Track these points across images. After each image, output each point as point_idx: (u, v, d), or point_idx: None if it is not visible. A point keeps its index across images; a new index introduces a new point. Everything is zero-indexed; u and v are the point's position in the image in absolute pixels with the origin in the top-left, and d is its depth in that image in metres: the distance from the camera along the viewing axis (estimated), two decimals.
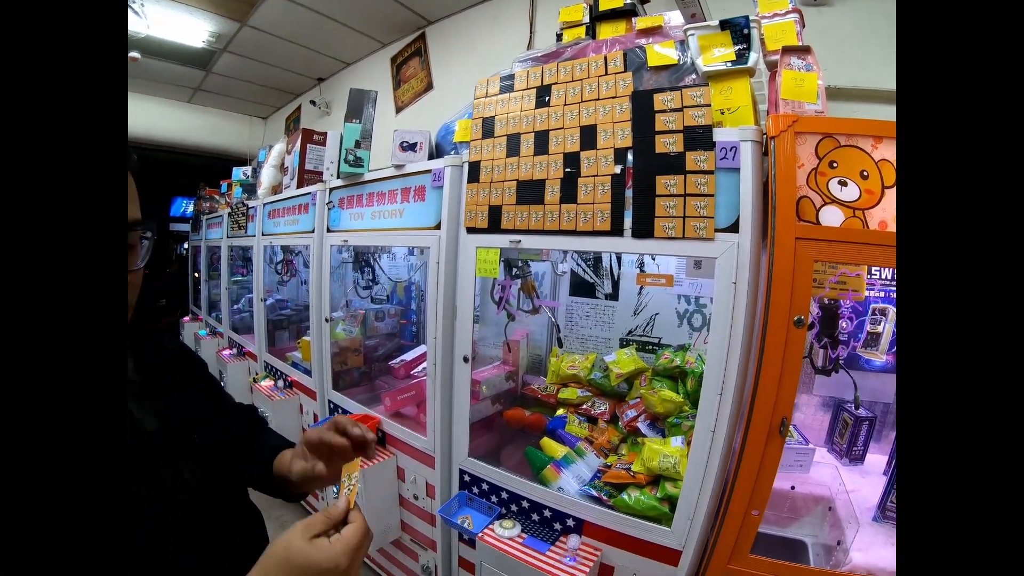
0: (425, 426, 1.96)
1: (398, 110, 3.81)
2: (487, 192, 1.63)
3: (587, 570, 1.43)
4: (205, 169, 5.41)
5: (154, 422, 0.72)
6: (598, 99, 1.41)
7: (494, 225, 1.61)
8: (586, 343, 2.18)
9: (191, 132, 5.64)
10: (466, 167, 1.70)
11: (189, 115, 5.60)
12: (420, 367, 2.40)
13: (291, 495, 0.92)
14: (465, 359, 1.74)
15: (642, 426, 1.71)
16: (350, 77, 4.54)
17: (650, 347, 1.99)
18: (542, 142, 1.51)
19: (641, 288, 1.99)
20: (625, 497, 1.45)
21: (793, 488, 1.47)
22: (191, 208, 5.90)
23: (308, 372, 2.73)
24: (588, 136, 1.42)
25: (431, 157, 1.96)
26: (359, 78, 4.36)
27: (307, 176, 2.78)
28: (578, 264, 2.11)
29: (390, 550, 2.35)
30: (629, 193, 1.34)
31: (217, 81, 4.98)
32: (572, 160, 1.45)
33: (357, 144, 2.18)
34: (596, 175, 1.39)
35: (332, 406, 2.54)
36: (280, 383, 3.01)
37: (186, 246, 6.44)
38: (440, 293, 1.77)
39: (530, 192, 1.53)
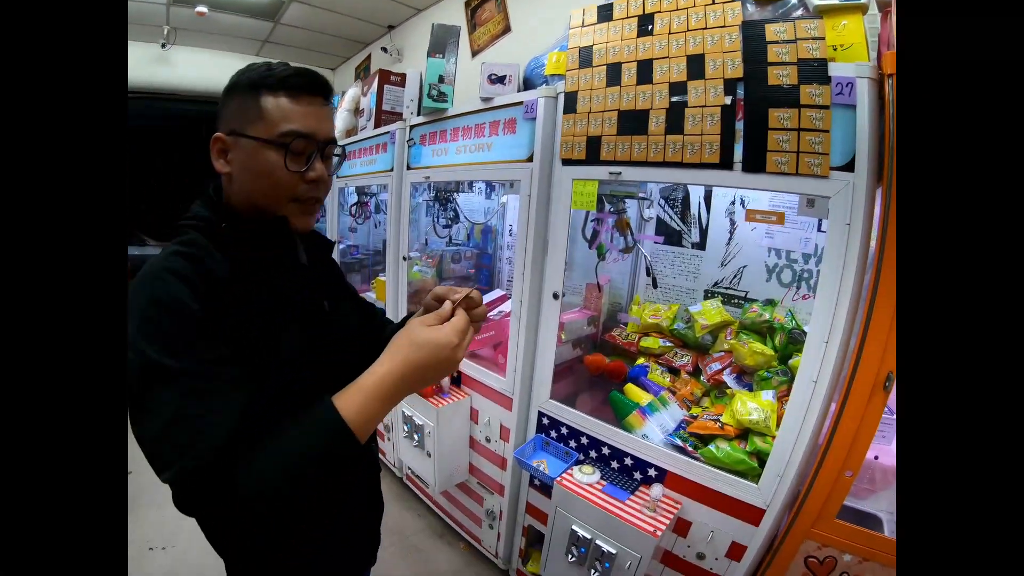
0: (503, 367, 1.94)
1: (474, 54, 3.69)
2: (585, 123, 1.55)
3: (667, 523, 1.40)
4: None
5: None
6: (705, 28, 1.31)
7: (592, 156, 1.54)
8: (669, 292, 2.10)
9: None
10: (561, 98, 1.62)
11: None
12: (496, 310, 2.37)
13: None
14: (555, 296, 1.70)
15: (728, 379, 1.66)
16: (422, 23, 4.42)
17: (736, 300, 1.90)
18: (645, 72, 1.42)
19: (730, 238, 1.88)
20: (713, 449, 1.40)
21: (876, 458, 1.37)
22: None
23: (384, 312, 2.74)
24: (695, 66, 1.33)
25: (519, 91, 1.88)
26: (431, 24, 4.23)
27: (384, 116, 2.74)
28: (664, 210, 2.01)
29: (454, 492, 2.39)
30: (739, 125, 1.26)
31: (285, 32, 4.94)
32: (678, 90, 1.36)
33: (440, 79, 2.12)
34: (704, 105, 1.30)
35: None
36: None
37: None
38: (530, 227, 1.72)
39: (632, 122, 1.44)
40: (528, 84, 1.89)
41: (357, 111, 3.17)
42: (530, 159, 1.70)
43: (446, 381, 2.13)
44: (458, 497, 2.38)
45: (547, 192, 1.70)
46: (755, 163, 1.24)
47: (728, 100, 1.27)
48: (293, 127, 0.76)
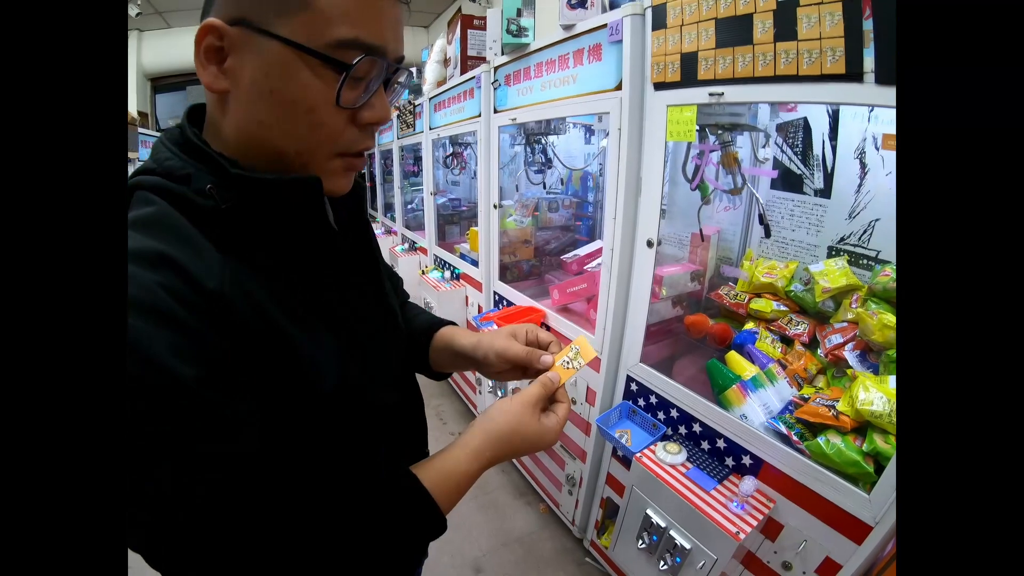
0: (594, 324, 1.78)
1: None
2: (677, 38, 1.30)
3: (755, 524, 1.20)
4: None
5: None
6: None
7: (688, 77, 1.29)
8: (787, 248, 1.78)
9: None
10: (649, 13, 1.37)
11: None
12: (595, 262, 2.20)
13: (435, 372, 0.90)
14: (649, 243, 1.49)
15: (850, 356, 1.36)
16: None
17: (865, 261, 1.57)
18: None
19: (860, 185, 1.54)
20: (822, 443, 1.15)
21: None
22: None
23: (476, 263, 2.69)
24: None
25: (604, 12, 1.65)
26: None
27: (470, 62, 2.64)
28: (782, 150, 1.69)
29: (540, 456, 2.31)
30: (868, 25, 0.96)
31: None
32: None
33: (519, 13, 1.93)
34: (821, 2, 1.02)
35: (497, 298, 2.48)
36: (447, 274, 3.05)
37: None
38: (621, 164, 1.51)
39: (734, 31, 1.17)
40: (613, 5, 1.65)
41: (445, 61, 3.08)
42: (618, 87, 1.47)
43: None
44: (540, 458, 2.31)
45: (639, 123, 1.48)
46: (891, 72, 0.94)
47: None
48: (359, 34, 0.48)
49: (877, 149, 1.48)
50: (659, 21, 1.34)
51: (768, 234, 1.58)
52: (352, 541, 0.53)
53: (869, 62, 0.98)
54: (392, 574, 0.59)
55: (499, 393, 2.08)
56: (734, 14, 1.17)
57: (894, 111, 1.32)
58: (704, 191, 1.57)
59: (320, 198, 0.54)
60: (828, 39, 1.02)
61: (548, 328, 2.04)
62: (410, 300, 0.97)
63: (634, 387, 1.66)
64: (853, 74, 1.00)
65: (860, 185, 1.56)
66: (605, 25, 1.48)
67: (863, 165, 1.54)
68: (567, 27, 1.64)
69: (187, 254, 0.46)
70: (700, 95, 1.26)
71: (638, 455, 1.43)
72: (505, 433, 0.63)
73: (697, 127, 1.34)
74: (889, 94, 0.96)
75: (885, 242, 1.54)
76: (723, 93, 1.21)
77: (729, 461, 1.37)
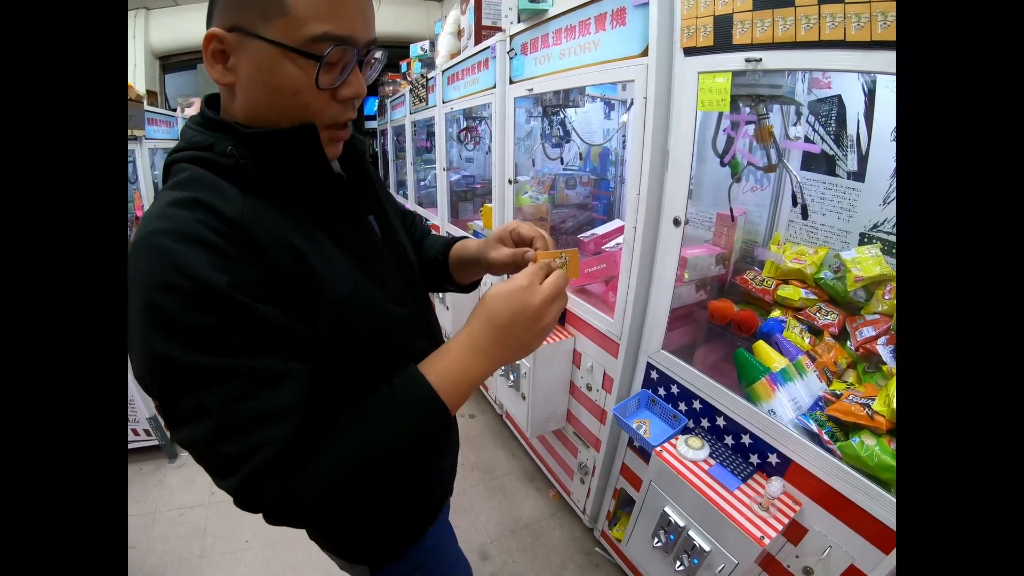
0: (614, 306, 1.69)
1: None
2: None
3: (780, 528, 1.13)
4: (395, 66, 5.43)
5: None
6: None
7: (722, 41, 1.17)
8: (816, 233, 1.67)
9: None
10: None
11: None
12: (613, 242, 2.10)
13: (461, 284, 1.03)
14: (676, 222, 1.38)
15: (883, 351, 1.25)
16: None
17: None
18: None
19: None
20: (856, 444, 1.07)
21: None
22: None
23: None
24: None
25: None
26: None
27: (485, 32, 2.50)
28: (814, 129, 1.56)
29: (549, 438, 2.26)
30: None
31: None
32: None
33: None
34: None
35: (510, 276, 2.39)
36: None
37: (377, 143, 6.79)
38: (647, 136, 1.40)
39: None
40: None
41: (459, 33, 2.97)
42: (644, 53, 1.36)
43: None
44: (552, 444, 2.25)
45: (667, 92, 1.36)
46: None
47: None
48: (328, 29, 0.58)
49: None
50: None
51: (805, 215, 1.47)
52: (368, 437, 0.60)
53: None
54: (415, 479, 0.76)
55: (510, 377, 2.01)
56: None
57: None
58: (735, 168, 1.46)
59: (316, 140, 0.63)
60: (879, 2, 0.90)
61: (565, 311, 1.95)
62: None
63: (654, 375, 1.57)
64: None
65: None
66: None
67: None
68: None
69: (215, 197, 0.58)
70: (735, 61, 1.15)
71: (658, 448, 1.36)
72: (490, 301, 0.66)
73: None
74: None
75: None
76: (760, 59, 1.09)
77: (754, 459, 1.30)
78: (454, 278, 1.01)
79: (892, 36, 0.90)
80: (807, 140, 1.60)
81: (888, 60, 0.92)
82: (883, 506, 1.02)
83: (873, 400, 1.14)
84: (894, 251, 1.46)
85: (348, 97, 0.64)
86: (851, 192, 1.57)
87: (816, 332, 1.49)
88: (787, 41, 1.05)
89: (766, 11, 1.07)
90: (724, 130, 1.39)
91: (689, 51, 1.26)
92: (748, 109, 1.31)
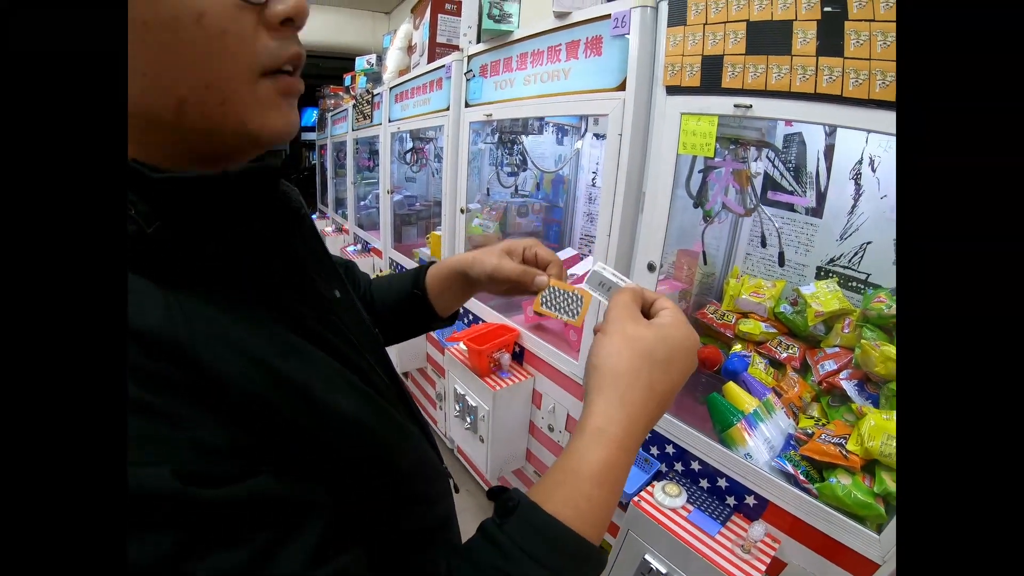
0: (575, 345, 1.62)
1: None
2: (699, 38, 1.14)
3: (763, 569, 1.14)
4: (338, 77, 5.20)
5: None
6: None
7: (710, 83, 1.13)
8: (774, 266, 1.70)
9: (312, 33, 5.31)
10: (664, 7, 1.22)
11: (310, 15, 5.31)
12: (567, 272, 2.04)
13: (439, 317, 0.84)
14: (651, 267, 1.33)
15: (848, 386, 1.30)
16: None
17: (854, 284, 1.52)
18: None
19: (854, 206, 1.48)
20: (835, 485, 1.08)
21: None
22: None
23: None
24: None
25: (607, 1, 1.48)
26: None
27: (439, 50, 2.40)
28: (774, 165, 1.59)
29: (510, 478, 2.16)
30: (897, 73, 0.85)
31: None
32: None
33: None
34: (872, 19, 0.91)
35: (462, 310, 2.28)
36: None
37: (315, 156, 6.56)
38: (620, 176, 1.34)
39: (769, 38, 1.04)
40: None
41: (410, 48, 2.85)
42: (621, 87, 1.30)
43: (506, 358, 1.84)
44: (513, 483, 2.13)
45: (644, 130, 1.31)
46: None
47: None
48: None
49: (874, 170, 1.41)
50: (677, 17, 1.18)
51: (782, 262, 1.47)
52: None
53: None
54: None
55: (467, 419, 1.89)
56: (770, 18, 1.03)
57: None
58: (708, 211, 1.43)
59: (275, 188, 0.45)
60: (878, 61, 0.90)
61: (523, 349, 1.86)
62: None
63: None
64: None
65: (854, 206, 1.48)
66: (608, 16, 1.31)
67: (858, 186, 1.47)
68: (561, 15, 1.46)
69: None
70: (723, 105, 1.11)
71: (635, 499, 1.31)
72: (623, 364, 0.47)
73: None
74: None
75: (876, 265, 1.48)
76: (751, 106, 1.06)
77: (731, 500, 1.28)
78: (436, 311, 0.82)
79: (891, 96, 0.89)
80: (767, 176, 1.62)
81: (885, 119, 0.91)
82: (860, 539, 1.03)
83: (846, 439, 1.15)
84: (850, 285, 1.51)
85: (286, 15, 0.40)
86: (809, 227, 1.61)
87: (778, 365, 1.50)
88: (780, 90, 1.03)
89: (760, 56, 1.05)
90: (699, 171, 1.35)
91: (672, 90, 1.22)
92: (727, 152, 1.28)
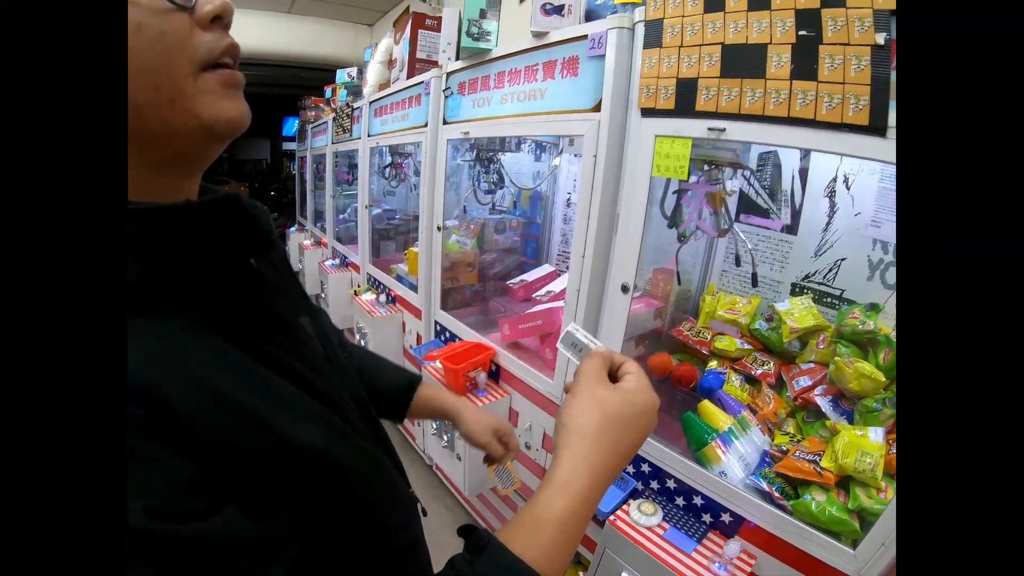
0: (551, 365, 1.61)
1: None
2: (674, 60, 1.15)
3: None
4: (319, 88, 5.18)
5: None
6: None
7: (684, 106, 1.14)
8: (749, 283, 1.71)
9: (292, 44, 5.32)
10: (640, 28, 1.22)
11: (289, 26, 5.25)
12: (543, 290, 2.04)
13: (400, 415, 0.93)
14: (624, 288, 1.33)
15: (823, 402, 1.31)
16: None
17: (829, 300, 1.54)
18: None
19: (828, 223, 1.51)
20: (809, 502, 1.09)
21: None
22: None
23: (414, 287, 2.45)
24: None
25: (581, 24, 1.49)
26: None
27: (419, 66, 2.41)
28: (751, 183, 1.61)
29: (488, 496, 2.13)
30: (895, 76, 0.88)
31: None
32: (808, 20, 0.96)
33: (482, 14, 1.74)
34: (847, 44, 0.91)
35: (438, 328, 2.26)
36: (383, 297, 2.78)
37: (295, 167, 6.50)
38: (595, 198, 1.34)
39: (744, 61, 1.05)
40: (591, 17, 1.50)
41: (390, 63, 2.85)
42: (597, 108, 1.31)
43: (482, 376, 1.82)
44: (490, 498, 2.12)
45: (619, 152, 1.31)
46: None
47: (881, 39, 0.88)
48: None
49: (848, 188, 1.44)
50: (653, 39, 1.19)
51: (755, 283, 1.48)
52: None
53: (894, 117, 0.88)
54: None
55: (444, 437, 1.87)
56: (745, 42, 1.04)
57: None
58: (683, 231, 1.44)
59: (242, 217, 0.46)
60: (852, 85, 0.91)
61: (499, 368, 1.85)
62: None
63: None
64: (877, 127, 0.89)
65: (828, 223, 1.51)
66: (585, 36, 1.32)
67: (832, 203, 1.49)
68: (539, 35, 1.47)
69: None
70: (697, 128, 1.12)
71: (611, 518, 1.30)
72: (592, 424, 0.53)
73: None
74: None
75: (850, 281, 1.50)
76: (724, 129, 1.07)
77: (707, 517, 1.27)
78: (405, 414, 0.94)
79: (864, 120, 0.90)
80: (742, 194, 1.64)
81: (857, 143, 0.92)
82: (836, 555, 1.04)
83: (820, 455, 1.16)
84: (824, 300, 1.54)
85: (215, 13, 0.43)
86: (784, 244, 1.64)
87: (753, 382, 1.51)
88: (754, 113, 1.04)
89: (734, 80, 1.06)
90: (673, 192, 1.36)
91: (647, 112, 1.23)
92: (701, 173, 1.29)
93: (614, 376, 0.59)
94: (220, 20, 0.44)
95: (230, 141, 0.47)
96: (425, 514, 0.72)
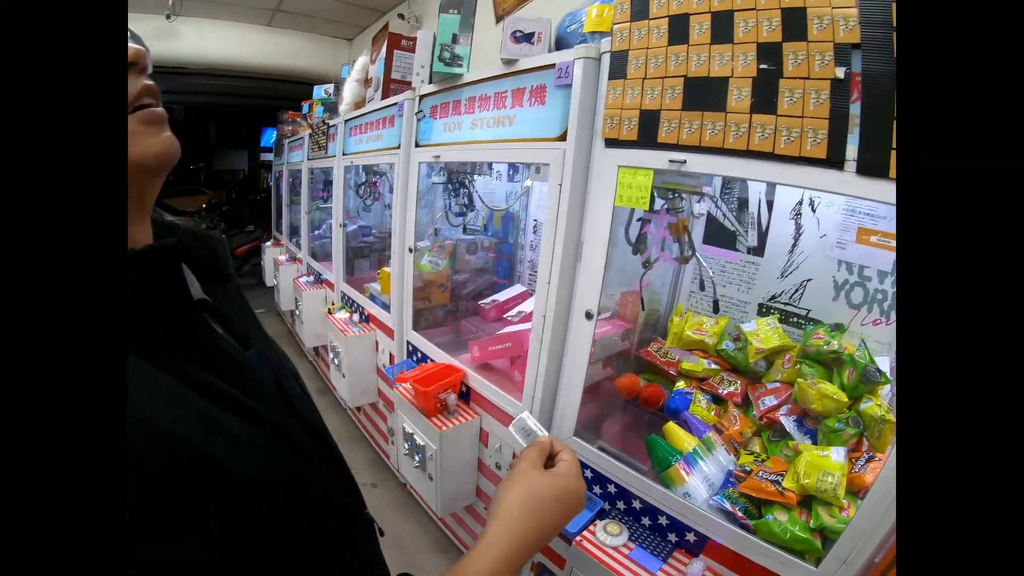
0: (520, 387, 1.62)
1: (499, 19, 3.34)
2: (638, 92, 1.18)
3: None
4: (297, 100, 5.16)
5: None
6: None
7: (647, 137, 1.17)
8: (718, 300, 1.76)
9: (271, 57, 5.30)
10: (606, 59, 1.26)
11: (269, 39, 5.25)
12: (514, 310, 2.05)
13: None
14: (588, 315, 1.35)
15: (787, 422, 1.34)
16: None
17: (795, 320, 1.59)
18: (724, 26, 1.04)
19: (794, 245, 1.56)
20: (771, 522, 1.11)
21: None
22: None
23: (387, 307, 2.45)
24: (794, 22, 0.96)
25: (551, 52, 1.52)
26: None
27: (393, 86, 2.42)
28: (718, 207, 1.65)
29: (461, 514, 2.14)
30: (855, 109, 0.90)
31: (297, 0, 4.63)
32: (769, 54, 0.99)
33: (455, 39, 1.76)
34: (807, 77, 0.94)
35: (411, 348, 2.26)
36: (356, 316, 2.77)
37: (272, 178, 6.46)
38: (560, 225, 1.36)
39: (705, 94, 1.07)
40: (561, 45, 1.53)
41: (366, 81, 2.86)
42: (562, 137, 1.33)
43: (452, 398, 1.83)
44: (464, 518, 2.12)
45: (583, 181, 1.34)
46: (875, 164, 0.88)
47: (841, 73, 0.90)
48: None
49: (813, 210, 1.48)
50: (618, 70, 1.22)
51: (716, 309, 1.52)
52: None
53: (852, 150, 0.91)
54: None
55: (415, 458, 1.86)
56: (707, 75, 1.07)
57: (870, 203, 1.32)
58: (648, 259, 1.47)
59: (178, 271, 0.49)
60: (811, 119, 0.94)
61: (469, 389, 1.85)
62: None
63: None
64: (834, 161, 0.92)
65: (794, 246, 1.56)
66: (553, 65, 1.35)
67: (798, 226, 1.54)
68: (508, 62, 1.49)
69: None
70: (659, 159, 1.15)
71: (578, 538, 1.31)
72: (516, 505, 0.60)
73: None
74: (870, 187, 0.89)
75: (815, 301, 1.55)
76: (685, 161, 1.10)
77: (672, 537, 1.29)
78: None
79: (822, 154, 0.93)
80: (710, 217, 1.68)
81: (814, 176, 0.95)
82: (801, 574, 1.05)
83: (782, 476, 1.18)
84: (791, 320, 1.58)
85: (130, 61, 0.46)
86: (751, 266, 1.68)
87: (720, 401, 1.53)
88: (715, 146, 1.06)
89: (695, 112, 1.08)
90: (638, 220, 1.39)
91: (611, 142, 1.25)
92: (664, 202, 1.32)
93: (552, 459, 0.69)
94: (135, 66, 0.47)
95: (165, 174, 0.51)
96: (382, 533, 0.74)
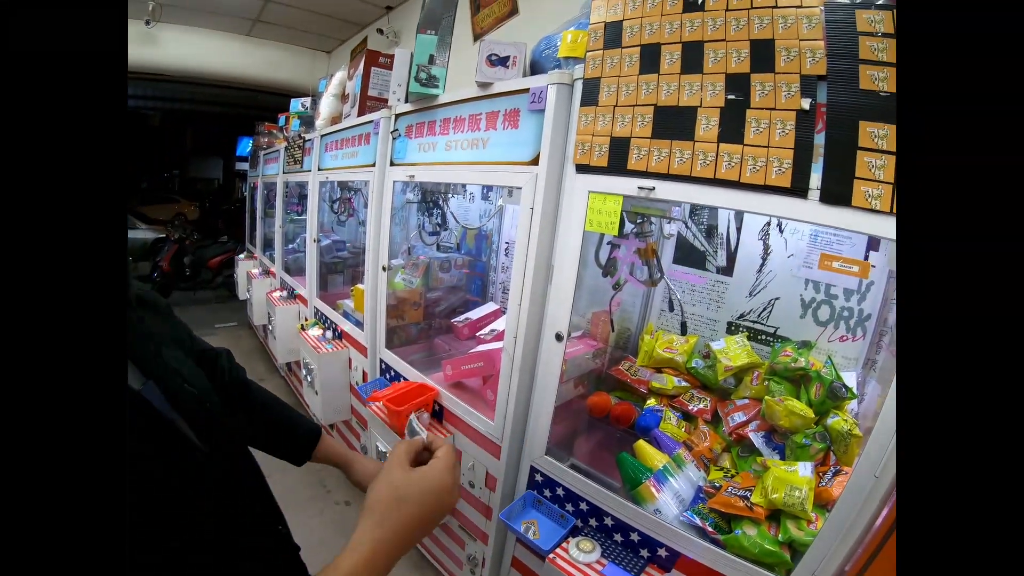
0: (492, 405, 1.62)
1: (476, 38, 3.37)
2: (608, 119, 1.21)
3: None
4: (275, 111, 5.13)
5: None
6: (775, 6, 0.99)
7: (617, 164, 1.20)
8: (686, 321, 1.79)
9: (250, 67, 5.30)
10: (579, 85, 1.29)
11: (248, 49, 5.25)
12: (487, 328, 2.06)
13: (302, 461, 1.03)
14: (558, 337, 1.36)
15: (755, 438, 1.38)
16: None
17: (763, 337, 1.63)
18: (693, 57, 1.09)
19: (762, 264, 1.61)
20: (740, 536, 1.13)
21: None
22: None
23: (360, 324, 2.43)
24: (762, 54, 1.00)
25: (526, 76, 1.55)
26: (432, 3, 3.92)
27: (370, 104, 2.42)
28: (687, 227, 1.69)
29: (436, 532, 2.08)
30: (820, 139, 0.94)
31: (277, 11, 4.61)
32: (737, 84, 1.03)
33: (431, 60, 1.78)
34: (773, 108, 0.98)
35: (384, 366, 2.24)
36: (329, 333, 2.74)
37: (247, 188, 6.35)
38: (531, 249, 1.38)
39: (674, 123, 1.11)
40: (536, 69, 1.56)
41: (343, 96, 2.85)
42: (535, 161, 1.36)
43: (425, 417, 1.82)
44: (439, 536, 2.08)
45: (555, 206, 1.36)
46: (837, 193, 0.92)
47: (806, 104, 0.95)
48: None
49: (781, 231, 1.52)
50: (590, 97, 1.25)
51: (684, 331, 1.55)
52: None
53: (816, 178, 0.94)
54: None
55: None
56: (676, 104, 1.11)
57: (834, 231, 1.36)
58: (617, 281, 1.50)
59: None
60: (776, 148, 0.98)
61: (442, 408, 1.85)
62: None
63: (539, 478, 1.52)
64: (798, 189, 0.96)
65: (762, 265, 1.61)
66: (527, 90, 1.37)
67: (766, 246, 1.58)
68: (483, 85, 1.51)
69: None
70: (628, 186, 1.18)
71: (550, 556, 1.31)
72: (378, 503, 0.60)
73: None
74: (833, 215, 0.93)
75: (783, 319, 1.59)
76: (654, 188, 1.13)
77: (644, 552, 1.30)
78: (303, 461, 1.03)
79: (786, 183, 0.96)
80: (680, 237, 1.72)
81: (778, 204, 0.99)
82: None
83: (751, 491, 1.20)
84: (759, 338, 1.62)
85: None
86: (720, 285, 1.73)
87: (690, 418, 1.55)
88: (683, 174, 1.09)
89: (664, 141, 1.12)
90: (607, 243, 1.42)
91: (581, 168, 1.28)
92: (632, 227, 1.35)
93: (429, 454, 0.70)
94: None
95: None
96: (299, 549, 0.78)
